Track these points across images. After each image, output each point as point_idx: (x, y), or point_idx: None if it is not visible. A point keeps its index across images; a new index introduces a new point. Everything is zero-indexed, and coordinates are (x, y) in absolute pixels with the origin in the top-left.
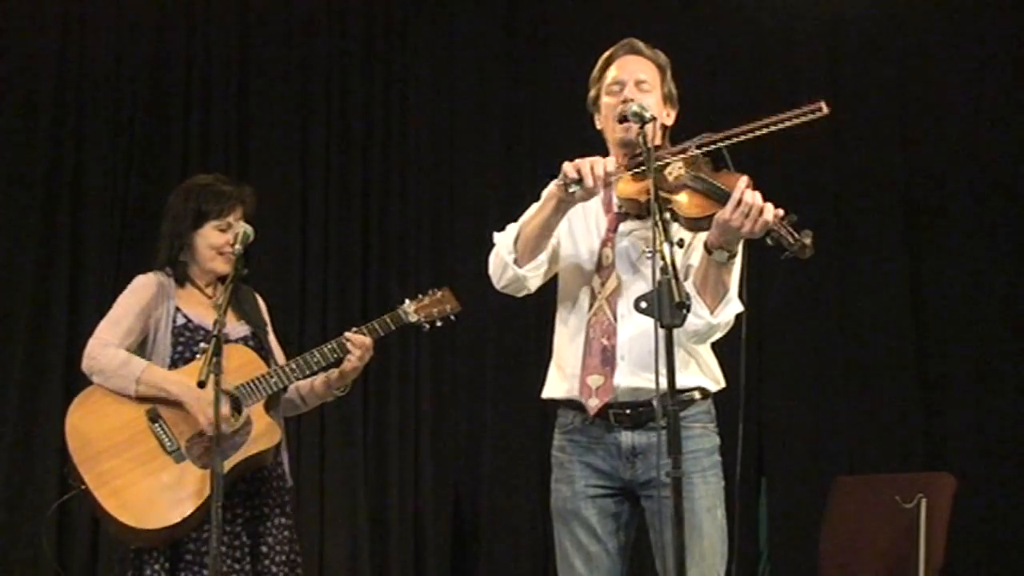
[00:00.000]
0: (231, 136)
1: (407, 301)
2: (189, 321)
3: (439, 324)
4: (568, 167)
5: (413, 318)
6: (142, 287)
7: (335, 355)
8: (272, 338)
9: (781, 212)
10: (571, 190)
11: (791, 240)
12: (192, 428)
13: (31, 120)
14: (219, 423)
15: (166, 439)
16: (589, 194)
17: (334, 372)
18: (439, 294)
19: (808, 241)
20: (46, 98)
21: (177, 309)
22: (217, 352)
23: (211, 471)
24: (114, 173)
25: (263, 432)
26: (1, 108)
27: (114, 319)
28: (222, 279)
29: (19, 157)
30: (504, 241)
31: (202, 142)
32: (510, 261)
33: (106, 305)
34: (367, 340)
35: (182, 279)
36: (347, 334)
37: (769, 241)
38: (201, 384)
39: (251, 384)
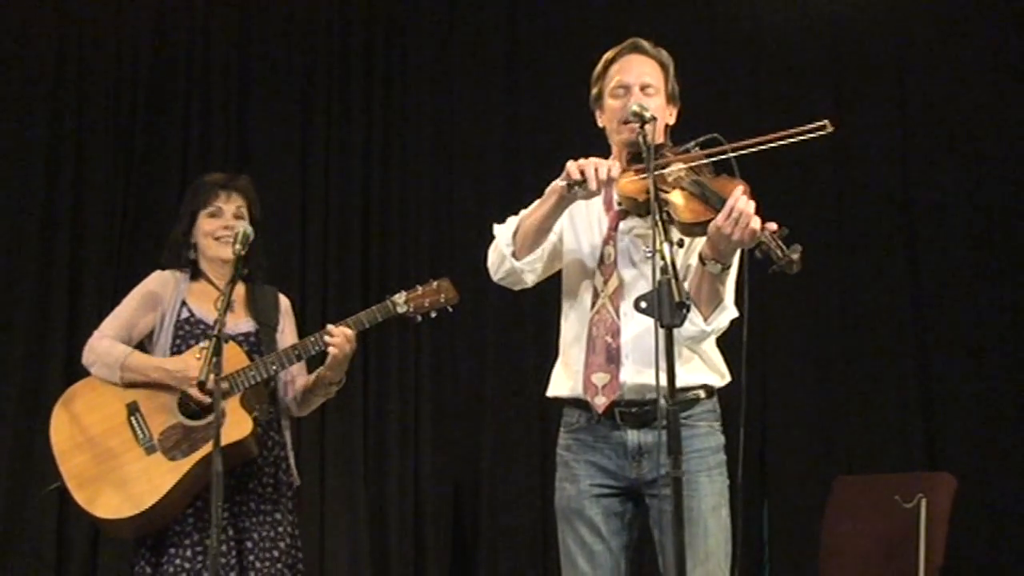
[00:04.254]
0: (231, 136)
1: (400, 292)
2: (192, 315)
3: (433, 315)
4: (572, 167)
5: (402, 308)
6: (148, 281)
7: (316, 347)
8: (283, 337)
9: (774, 226)
10: (573, 190)
11: (779, 254)
12: (167, 420)
13: (31, 120)
14: (219, 421)
15: (140, 432)
16: (590, 195)
17: (323, 369)
18: (435, 284)
19: (796, 256)
20: (46, 98)
21: (183, 303)
22: (217, 352)
23: (212, 472)
24: (114, 173)
25: (233, 424)
26: (1, 108)
27: (115, 313)
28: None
29: (19, 157)
30: (504, 234)
31: (202, 142)
32: (508, 253)
33: (106, 304)
34: (347, 331)
35: (196, 275)
36: (329, 326)
37: (758, 254)
38: (201, 384)
39: (228, 379)
